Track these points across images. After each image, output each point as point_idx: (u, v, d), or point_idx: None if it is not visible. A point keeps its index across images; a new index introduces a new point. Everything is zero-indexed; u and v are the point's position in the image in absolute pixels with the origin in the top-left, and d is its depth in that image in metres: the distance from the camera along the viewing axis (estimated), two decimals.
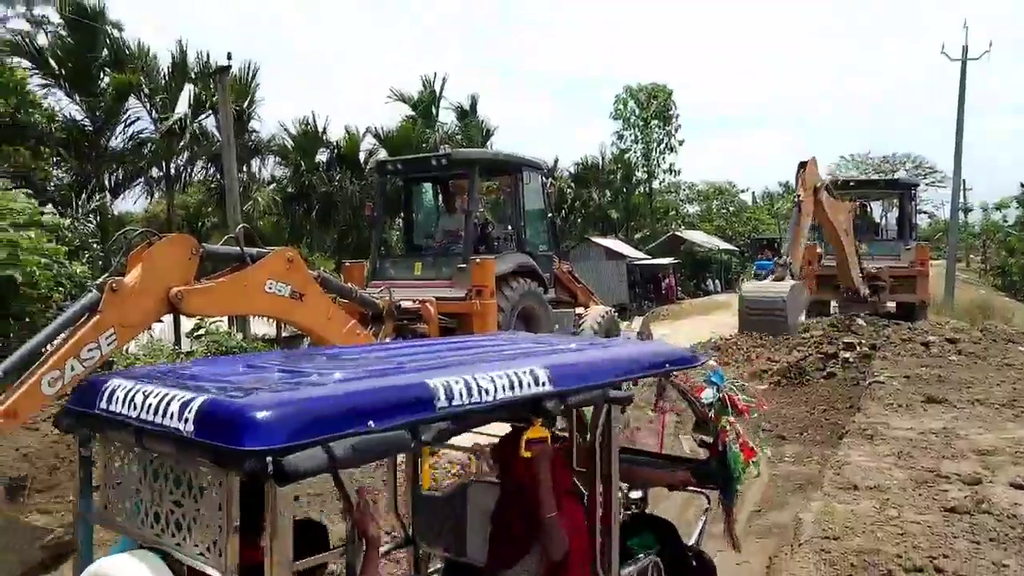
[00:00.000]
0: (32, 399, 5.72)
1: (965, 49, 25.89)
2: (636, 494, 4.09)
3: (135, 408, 2.12)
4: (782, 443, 9.65)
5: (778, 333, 12.46)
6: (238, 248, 7.61)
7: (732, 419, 3.66)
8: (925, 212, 66.16)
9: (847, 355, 13.53)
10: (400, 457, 4.05)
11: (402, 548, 3.85)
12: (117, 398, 2.21)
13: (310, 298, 7.95)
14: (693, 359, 3.58)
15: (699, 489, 3.97)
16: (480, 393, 2.29)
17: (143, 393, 2.13)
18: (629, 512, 4.01)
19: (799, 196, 13.61)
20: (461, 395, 2.23)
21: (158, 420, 2.01)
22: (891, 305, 18.33)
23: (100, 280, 6.31)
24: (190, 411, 1.93)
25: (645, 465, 4.11)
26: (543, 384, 2.52)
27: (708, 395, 3.66)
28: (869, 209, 20.68)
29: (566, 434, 3.43)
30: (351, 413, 1.97)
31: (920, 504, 5.89)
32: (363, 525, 2.33)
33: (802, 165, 14.13)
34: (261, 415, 1.84)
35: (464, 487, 3.69)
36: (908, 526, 5.41)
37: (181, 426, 1.93)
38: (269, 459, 1.76)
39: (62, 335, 5.98)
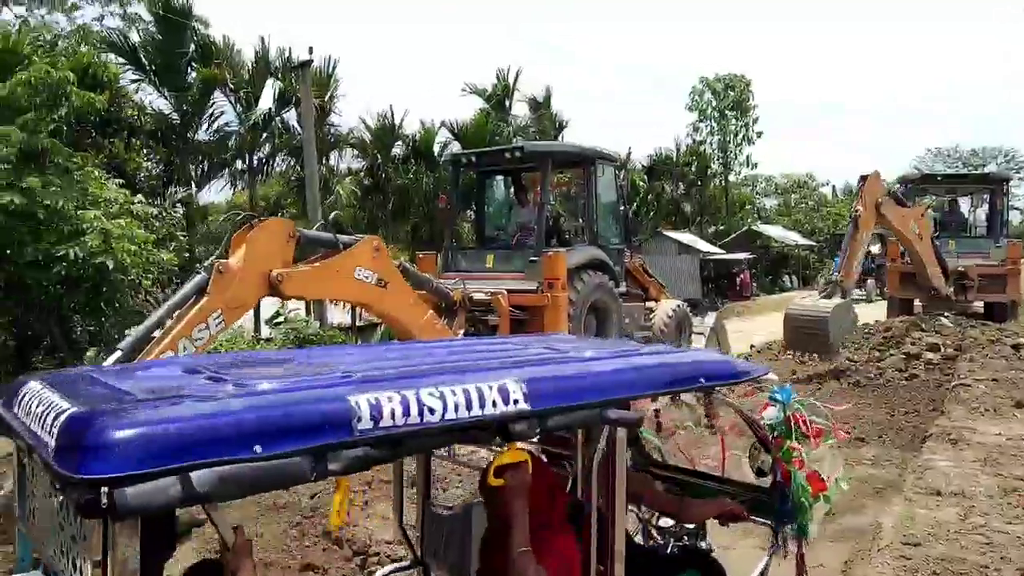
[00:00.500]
0: None
1: None
2: (666, 522, 3.64)
3: (29, 416, 1.82)
4: (860, 445, 9.38)
5: (821, 352, 12.07)
6: (330, 235, 7.98)
7: (796, 445, 3.20)
8: (1018, 208, 63.32)
9: (930, 356, 13.07)
10: (410, 466, 3.88)
11: (410, 569, 3.44)
12: (22, 402, 1.92)
13: (394, 286, 8.26)
14: (740, 373, 3.03)
15: (766, 522, 3.38)
16: (422, 413, 1.90)
17: (39, 400, 1.82)
18: (679, 544, 3.61)
19: (858, 210, 13.10)
20: (393, 415, 1.84)
21: (40, 433, 1.70)
22: (978, 305, 17.60)
23: (208, 262, 6.68)
24: (55, 426, 1.63)
25: (696, 491, 3.66)
26: (514, 402, 2.09)
27: (770, 415, 3.24)
28: (957, 204, 19.86)
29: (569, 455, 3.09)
30: (230, 436, 1.61)
31: (1008, 513, 5.65)
32: (235, 568, 1.92)
33: (863, 179, 13.74)
34: (102, 436, 1.51)
35: (469, 507, 3.26)
36: (995, 535, 5.20)
37: (51, 443, 1.61)
38: (105, 490, 1.44)
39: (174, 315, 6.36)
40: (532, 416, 2.13)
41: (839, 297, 12.33)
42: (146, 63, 16.41)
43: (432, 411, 1.92)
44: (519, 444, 2.35)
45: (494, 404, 2.05)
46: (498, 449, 2.39)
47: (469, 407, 1.99)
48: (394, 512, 3.45)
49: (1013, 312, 17.11)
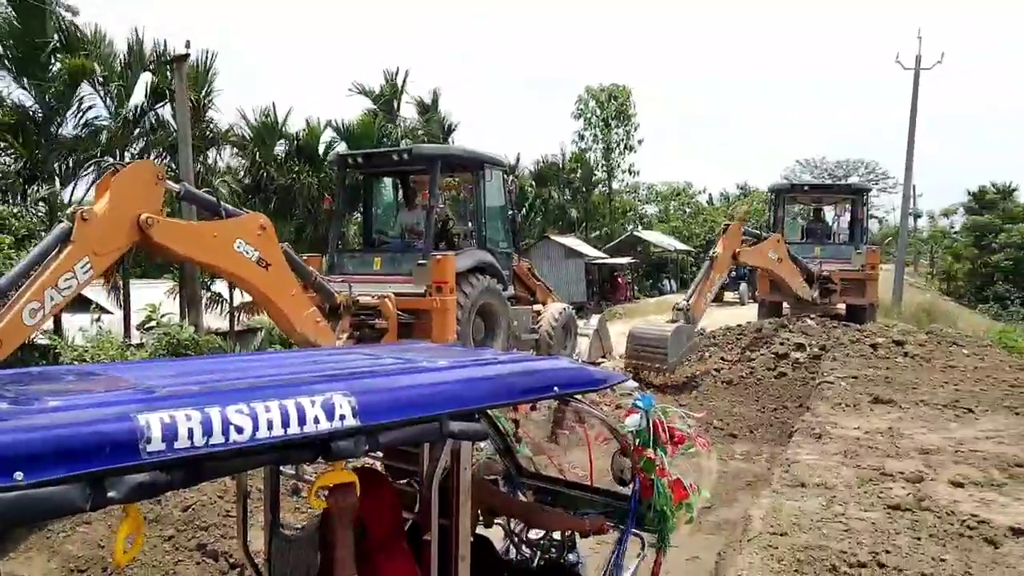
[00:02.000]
0: (16, 329, 5.92)
1: (918, 59, 26.57)
2: (536, 534, 3.64)
3: None
4: (733, 441, 9.84)
5: (657, 369, 12.73)
6: (213, 198, 7.86)
7: (653, 454, 3.16)
8: (876, 217, 67.93)
9: (797, 355, 13.82)
10: (254, 483, 3.64)
11: None
12: None
13: (276, 270, 8.11)
14: (596, 381, 2.97)
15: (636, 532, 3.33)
16: (227, 432, 1.71)
17: None
18: (546, 557, 3.62)
19: (716, 253, 13.88)
20: (191, 435, 1.65)
21: None
22: (841, 307, 18.71)
23: (70, 210, 6.47)
24: None
25: (566, 500, 3.62)
26: (340, 417, 1.92)
27: (632, 422, 3.20)
28: (822, 213, 21.11)
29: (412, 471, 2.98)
30: None
31: (865, 501, 6.06)
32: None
33: (726, 227, 14.77)
34: None
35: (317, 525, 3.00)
36: (853, 523, 5.56)
37: None
38: None
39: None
40: (359, 432, 1.97)
41: (684, 322, 12.97)
42: (2, 51, 15.32)
43: (240, 430, 1.73)
44: (362, 461, 2.21)
45: (316, 420, 1.87)
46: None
47: (286, 424, 1.81)
48: (238, 535, 3.17)
49: (872, 314, 18.27)
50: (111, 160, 7.22)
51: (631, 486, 3.23)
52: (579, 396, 2.98)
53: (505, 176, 12.31)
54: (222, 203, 7.90)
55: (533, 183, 36.43)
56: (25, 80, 15.50)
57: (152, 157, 18.02)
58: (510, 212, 12.56)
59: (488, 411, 2.77)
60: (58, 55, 15.87)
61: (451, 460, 2.38)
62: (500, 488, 3.84)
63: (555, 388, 2.71)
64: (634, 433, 3.19)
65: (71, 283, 6.24)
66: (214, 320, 19.52)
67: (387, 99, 25.75)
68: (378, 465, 3.62)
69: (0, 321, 5.84)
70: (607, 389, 3.16)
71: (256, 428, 1.76)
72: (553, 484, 3.87)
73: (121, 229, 6.69)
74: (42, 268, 6.12)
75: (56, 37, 15.79)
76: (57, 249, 6.23)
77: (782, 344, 14.35)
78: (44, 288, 6.04)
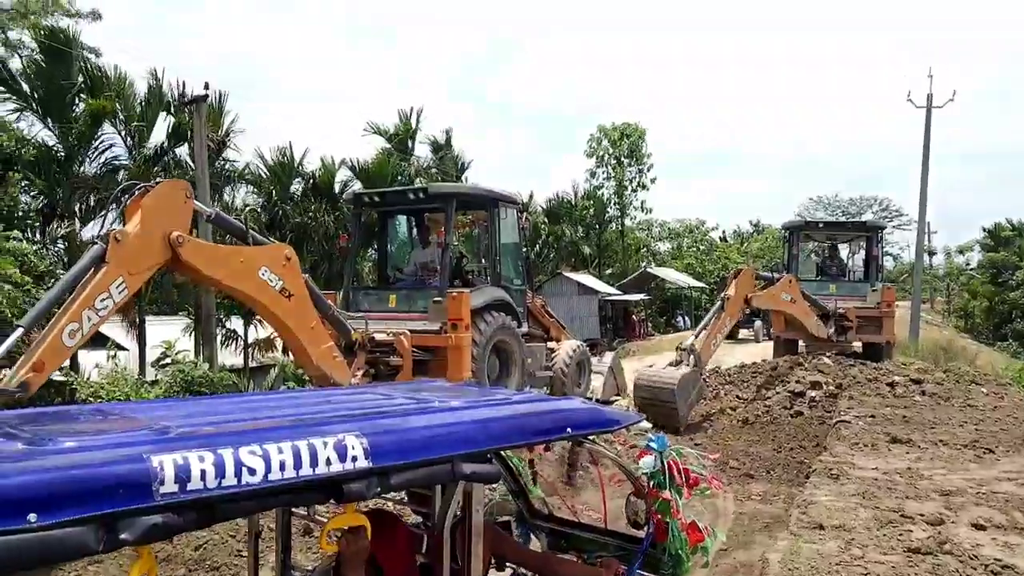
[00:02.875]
0: (56, 351, 6.17)
1: (930, 97, 26.68)
2: None
3: None
4: (749, 481, 9.72)
5: (670, 423, 12.33)
6: (241, 224, 8.01)
7: (668, 495, 3.11)
8: (891, 254, 67.74)
9: (814, 394, 13.69)
10: (265, 522, 3.59)
11: None
12: None
13: (298, 301, 8.27)
14: (610, 422, 2.91)
15: (645, 574, 3.25)
16: (239, 474, 1.70)
17: None
18: None
19: (727, 296, 13.72)
20: (204, 477, 1.65)
21: None
22: (857, 345, 18.58)
23: (104, 232, 6.49)
24: None
25: (578, 543, 3.56)
26: (352, 459, 1.91)
27: (647, 463, 3.14)
28: (837, 250, 21.06)
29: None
30: None
31: (884, 544, 5.96)
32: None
33: (737, 272, 14.62)
34: None
35: (328, 570, 2.95)
36: (872, 566, 5.47)
37: None
38: None
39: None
40: (372, 474, 1.95)
41: (687, 365, 12.60)
42: (28, 91, 15.66)
43: (252, 471, 1.72)
44: (375, 501, 2.20)
45: (328, 462, 1.86)
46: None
47: (298, 466, 1.80)
48: (249, 574, 3.15)
49: (889, 352, 18.13)
50: (139, 183, 7.35)
51: (645, 528, 3.18)
52: (593, 437, 2.93)
53: (519, 214, 12.38)
54: (249, 230, 8.06)
55: (546, 220, 36.60)
56: (49, 120, 15.79)
57: None
58: (523, 249, 12.61)
59: (501, 452, 2.71)
60: (81, 96, 16.19)
61: (463, 501, 2.35)
62: (513, 529, 3.80)
63: (568, 429, 2.66)
64: (648, 475, 3.14)
65: (107, 303, 6.45)
66: (229, 357, 19.61)
67: (401, 138, 26.06)
68: (390, 505, 3.59)
69: (41, 345, 6.06)
70: (621, 430, 3.01)
71: (268, 470, 1.76)
72: (566, 526, 3.81)
73: (153, 248, 6.88)
74: (78, 291, 6.32)
75: (80, 79, 16.12)
76: (92, 271, 6.43)
77: (798, 382, 14.22)
78: (82, 309, 6.25)
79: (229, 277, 7.70)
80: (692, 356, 12.64)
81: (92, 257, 6.51)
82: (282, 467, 1.78)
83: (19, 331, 6.21)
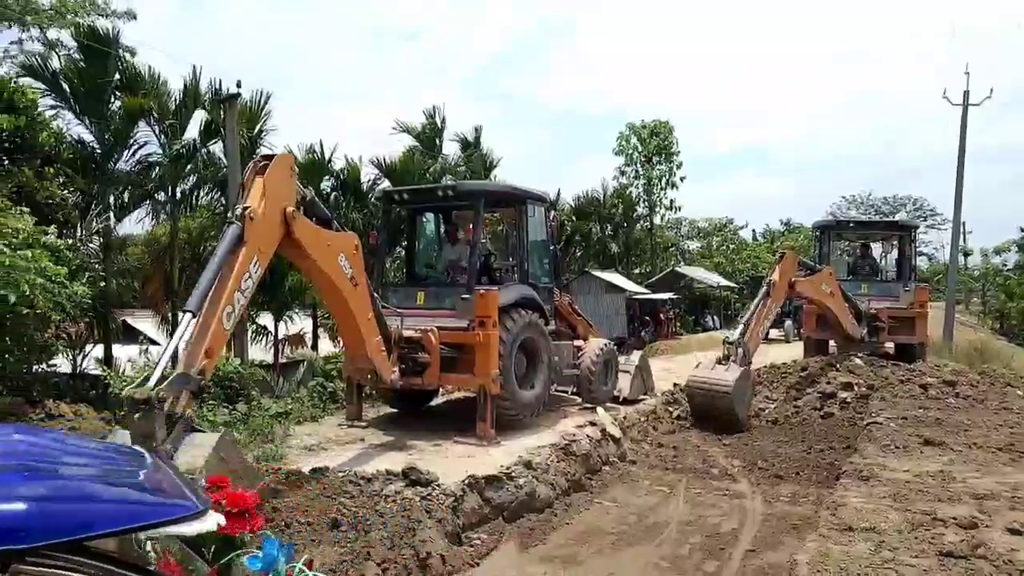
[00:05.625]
0: (219, 336, 6.42)
1: (966, 94, 26.21)
2: None
3: None
4: (778, 482, 9.64)
5: (731, 430, 12.21)
6: (327, 213, 8.40)
7: None
8: (925, 254, 66.75)
9: (845, 395, 13.54)
10: None
11: None
12: None
13: (362, 290, 8.65)
14: (166, 509, 1.83)
15: None
16: None
17: None
18: None
19: (773, 282, 13.58)
20: None
21: None
22: (890, 346, 18.35)
23: (237, 211, 6.76)
24: None
25: None
26: None
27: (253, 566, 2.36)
28: (869, 249, 20.79)
29: None
30: None
31: (916, 548, 5.88)
32: None
33: (781, 255, 14.49)
34: None
35: None
36: (903, 569, 5.40)
37: None
38: None
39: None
40: None
41: (736, 363, 12.53)
42: (67, 90, 15.94)
43: None
44: None
45: None
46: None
47: None
48: None
49: (922, 353, 17.89)
50: (260, 157, 7.51)
51: None
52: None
53: (547, 211, 12.38)
54: (332, 219, 8.37)
55: (574, 218, 36.49)
56: (86, 118, 16.06)
57: (203, 192, 18.53)
58: (552, 247, 12.60)
59: None
60: (117, 93, 16.45)
61: None
62: None
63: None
64: None
65: (249, 283, 6.70)
66: (259, 352, 19.82)
67: (429, 136, 26.11)
68: None
69: (207, 332, 6.24)
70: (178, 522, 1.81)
71: None
72: None
73: (275, 224, 7.09)
74: (224, 273, 6.49)
75: (116, 77, 16.38)
76: (232, 252, 6.58)
77: (829, 383, 14.09)
78: (233, 292, 6.48)
79: (321, 257, 7.94)
80: (740, 350, 12.62)
81: (231, 240, 6.63)
82: None
83: (189, 316, 6.24)
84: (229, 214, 7.19)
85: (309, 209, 8.05)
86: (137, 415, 5.68)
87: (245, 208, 6.69)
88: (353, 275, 8.33)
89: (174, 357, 6.34)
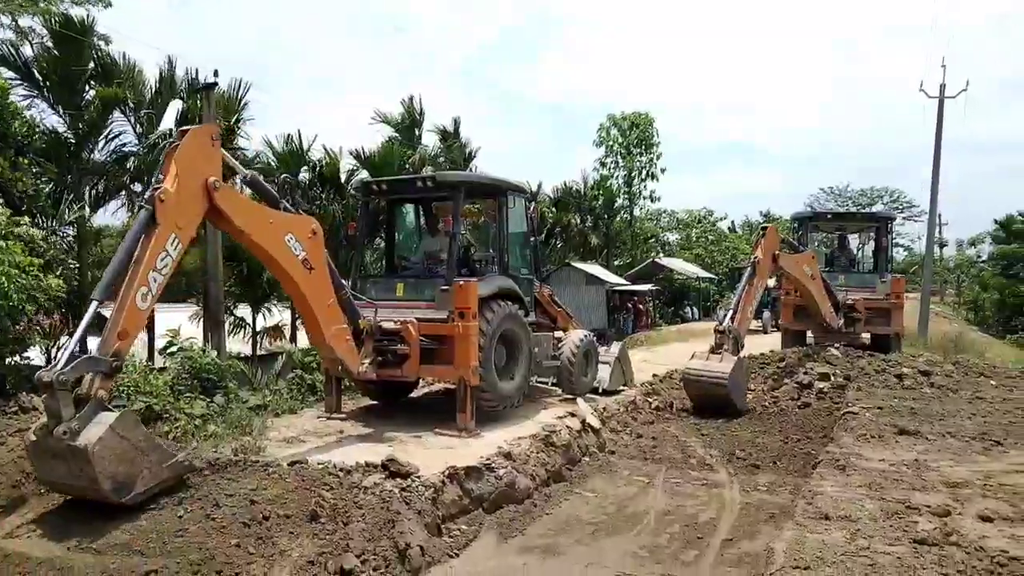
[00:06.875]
0: (134, 317, 6.55)
1: (943, 87, 26.53)
2: None
3: None
4: (756, 472, 9.72)
5: (731, 416, 12.36)
6: (274, 192, 8.37)
7: None
8: (901, 245, 67.48)
9: (821, 385, 13.68)
10: None
11: None
12: None
13: (319, 275, 8.61)
14: None
15: None
16: None
17: None
18: None
19: (757, 258, 13.66)
20: None
21: None
22: (866, 336, 18.54)
23: (148, 195, 6.85)
24: None
25: None
26: None
27: None
28: (846, 241, 20.98)
29: None
30: None
31: (890, 535, 5.96)
32: None
33: (763, 229, 14.52)
34: None
35: None
36: (878, 557, 5.47)
37: None
38: None
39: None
40: None
41: (729, 351, 12.64)
42: (40, 78, 15.68)
43: None
44: None
45: None
46: None
47: None
48: None
49: (898, 344, 18.09)
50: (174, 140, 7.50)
51: None
52: None
53: (527, 203, 12.34)
54: (279, 198, 8.36)
55: (554, 209, 36.51)
56: (60, 107, 15.81)
57: None
58: (532, 238, 12.58)
59: None
60: (91, 83, 16.20)
61: None
62: None
63: None
64: None
65: (167, 261, 6.79)
66: (237, 345, 19.69)
67: (407, 127, 25.97)
68: None
69: (121, 314, 6.41)
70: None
71: None
72: None
73: (194, 197, 7.12)
74: (138, 256, 6.61)
75: (91, 66, 16.13)
76: (145, 235, 6.69)
77: (806, 374, 14.22)
78: (147, 272, 6.59)
79: (257, 233, 7.94)
80: (732, 337, 12.73)
81: (142, 222, 6.74)
82: None
83: (94, 304, 6.47)
84: (141, 198, 7.31)
85: (252, 188, 8.19)
86: (44, 396, 6.17)
87: (155, 190, 6.78)
88: (307, 258, 8.32)
89: (82, 341, 6.55)
